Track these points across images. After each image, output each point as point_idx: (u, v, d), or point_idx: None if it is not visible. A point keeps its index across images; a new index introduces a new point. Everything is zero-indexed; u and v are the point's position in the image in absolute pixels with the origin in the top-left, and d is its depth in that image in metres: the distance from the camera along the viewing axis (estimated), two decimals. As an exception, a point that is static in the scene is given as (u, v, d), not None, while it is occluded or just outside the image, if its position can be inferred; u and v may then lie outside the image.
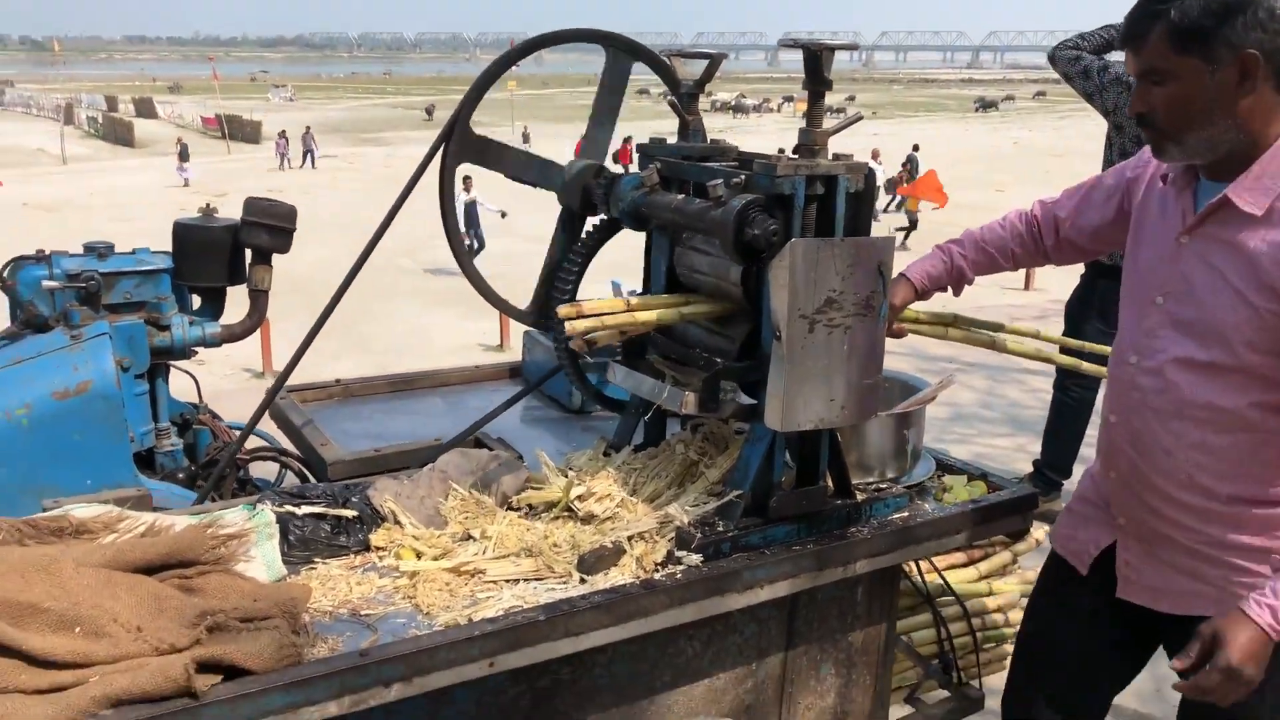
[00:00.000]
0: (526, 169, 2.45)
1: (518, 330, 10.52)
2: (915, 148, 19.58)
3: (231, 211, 2.73)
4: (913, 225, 17.31)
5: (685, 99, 2.23)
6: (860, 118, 1.96)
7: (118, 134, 44.30)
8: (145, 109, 56.60)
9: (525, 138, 31.95)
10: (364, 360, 9.07)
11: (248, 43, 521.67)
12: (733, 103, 62.18)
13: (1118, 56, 4.06)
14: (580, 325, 1.93)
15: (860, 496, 2.14)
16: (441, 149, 2.31)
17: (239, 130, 43.23)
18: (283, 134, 32.36)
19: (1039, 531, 2.78)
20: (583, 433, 2.70)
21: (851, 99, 69.73)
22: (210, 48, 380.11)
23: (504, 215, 14.14)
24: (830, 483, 2.09)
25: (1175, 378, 1.80)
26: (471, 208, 13.94)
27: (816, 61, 1.85)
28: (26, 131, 44.52)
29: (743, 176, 1.91)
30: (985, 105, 62.40)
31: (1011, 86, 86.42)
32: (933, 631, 2.65)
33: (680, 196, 2.07)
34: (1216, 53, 1.64)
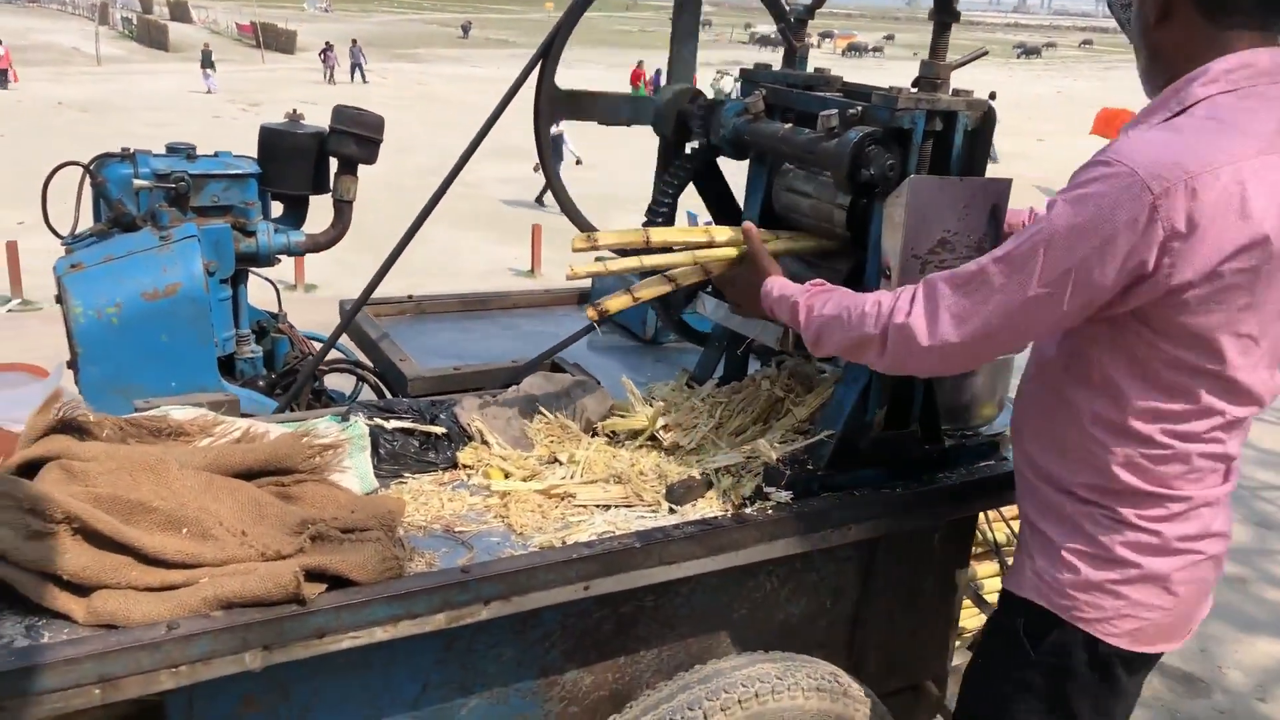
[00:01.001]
0: (618, 110, 2.39)
1: (549, 256, 10.46)
2: (992, 95, 18.96)
3: (257, 118, 2.69)
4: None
5: (793, 25, 2.16)
6: (985, 52, 1.89)
7: (152, 36, 43.95)
8: (179, 12, 56.04)
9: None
10: (399, 280, 9.07)
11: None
12: (772, 35, 60.75)
13: None
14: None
15: (947, 443, 2.11)
16: (550, 35, 2.25)
17: (274, 39, 42.79)
18: (329, 45, 31.76)
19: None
20: (655, 363, 2.68)
21: (890, 38, 68.17)
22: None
23: (579, 162, 13.95)
24: (919, 427, 2.06)
25: None
26: (558, 140, 13.75)
27: (950, -10, 1.78)
28: (62, 30, 44.25)
29: (859, 108, 1.85)
30: (1028, 52, 60.88)
31: (1058, 34, 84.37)
32: (999, 581, 2.63)
33: (788, 125, 2.01)
34: None
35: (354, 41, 32.05)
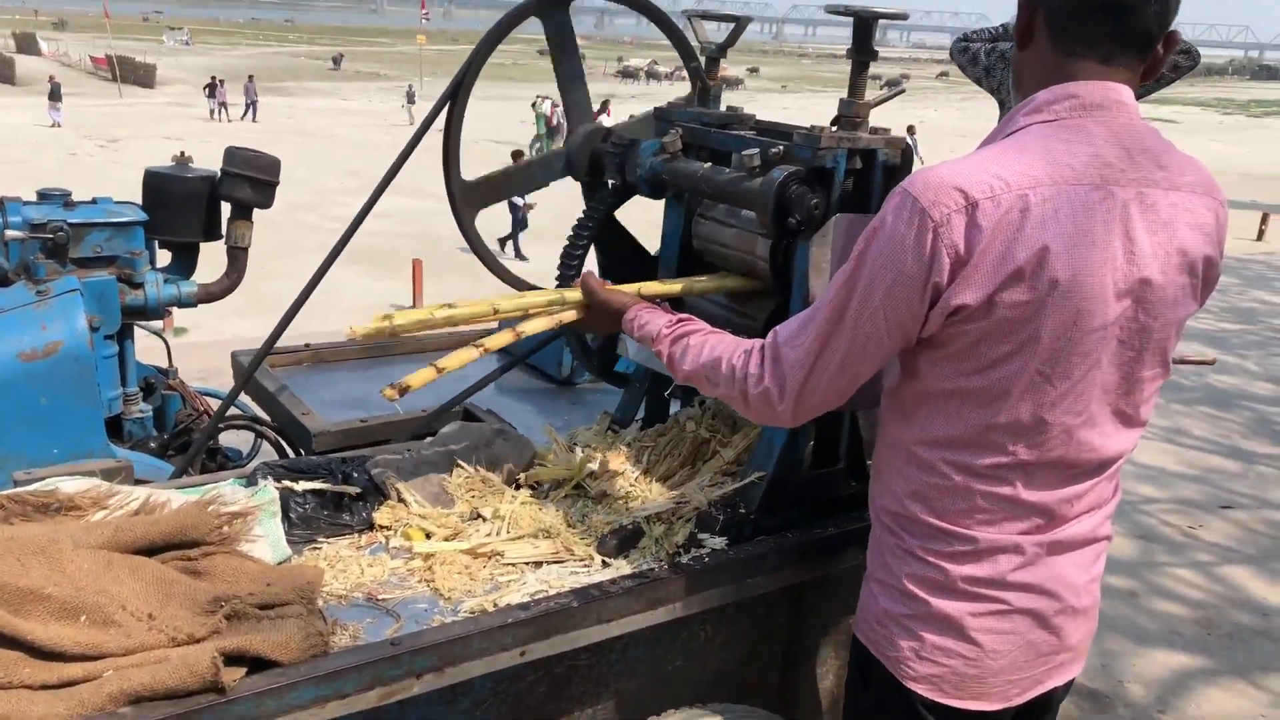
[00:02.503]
0: (533, 178, 2.35)
1: (433, 291, 10.25)
2: (910, 129, 18.83)
3: (117, 156, 2.54)
4: None
5: (707, 63, 2.14)
6: (903, 89, 1.91)
7: (-3, 70, 41.67)
8: (27, 44, 53.32)
9: (410, 97, 29.85)
10: (269, 320, 8.73)
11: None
12: (630, 67, 60.94)
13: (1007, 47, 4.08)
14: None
15: (873, 479, 2.10)
16: (459, 74, 2.18)
17: (132, 73, 41.09)
18: (217, 80, 30.06)
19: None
20: (572, 406, 2.61)
21: (754, 70, 69.89)
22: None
23: (532, 206, 13.51)
24: (846, 464, 2.05)
25: None
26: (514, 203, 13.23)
27: (866, 30, 1.78)
28: (-107, 63, 41.58)
29: (781, 147, 1.84)
30: (891, 84, 63.27)
31: (916, 66, 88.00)
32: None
33: (708, 165, 1.99)
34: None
35: (250, 78, 30.67)
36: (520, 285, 2.38)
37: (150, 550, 1.55)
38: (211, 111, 29.24)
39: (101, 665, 1.32)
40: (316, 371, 2.68)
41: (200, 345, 7.63)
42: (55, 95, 26.16)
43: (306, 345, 2.73)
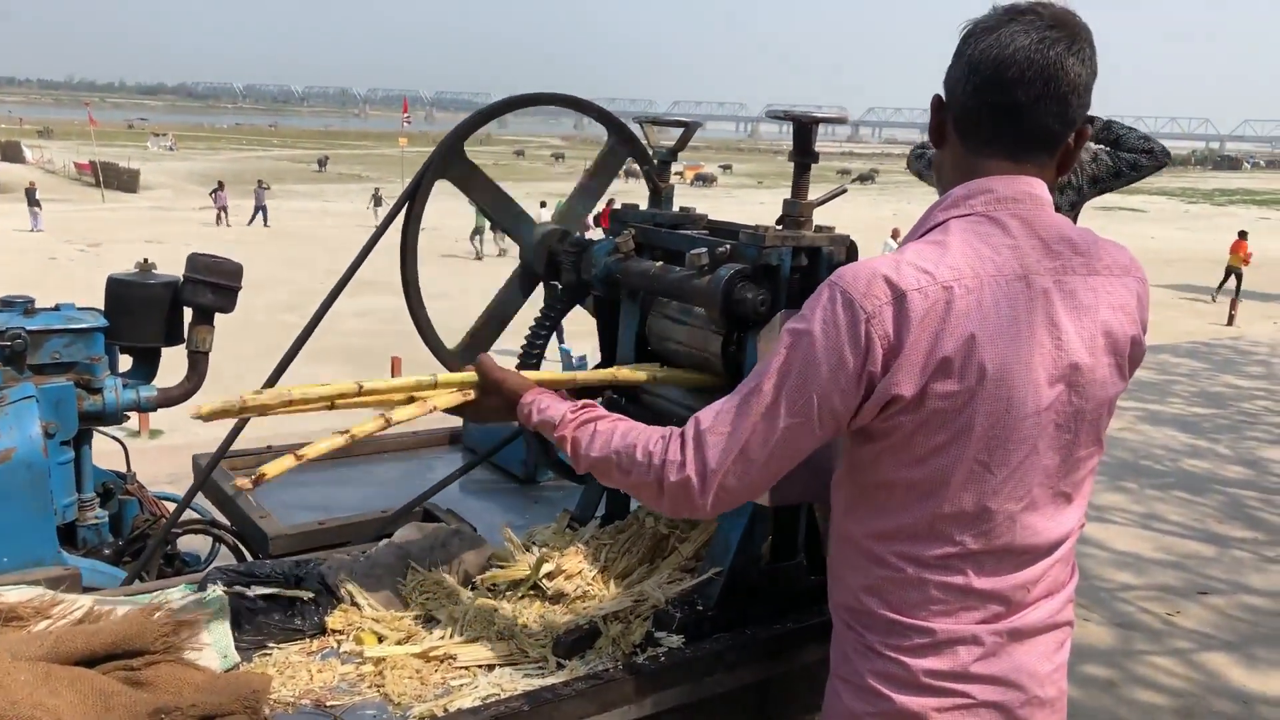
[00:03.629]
0: (500, 210, 2.37)
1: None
2: (895, 233, 19.47)
3: (98, 260, 2.56)
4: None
5: (658, 166, 2.20)
6: (844, 190, 1.96)
7: (-19, 177, 42.04)
8: (11, 152, 54.04)
9: (377, 200, 29.84)
10: (251, 424, 8.67)
11: (125, 89, 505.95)
12: (624, 168, 62.23)
13: None
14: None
15: (833, 572, 2.09)
16: (423, 168, 2.23)
17: (115, 178, 41.60)
18: (221, 185, 30.30)
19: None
20: (533, 504, 2.60)
21: (728, 168, 71.29)
22: (85, 93, 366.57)
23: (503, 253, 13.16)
24: (804, 558, 2.05)
25: None
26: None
27: (806, 133, 1.85)
28: (-122, 172, 41.98)
29: (727, 246, 1.88)
30: (862, 178, 64.50)
31: (890, 160, 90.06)
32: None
33: (659, 264, 2.03)
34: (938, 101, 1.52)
35: (260, 182, 30.75)
36: (446, 358, 2.38)
37: (92, 661, 1.52)
38: (217, 217, 29.26)
39: (33, 783, 1.29)
40: (279, 474, 2.67)
41: (176, 448, 7.56)
42: (32, 200, 26.32)
43: (269, 447, 2.72)
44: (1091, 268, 1.44)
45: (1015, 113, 1.40)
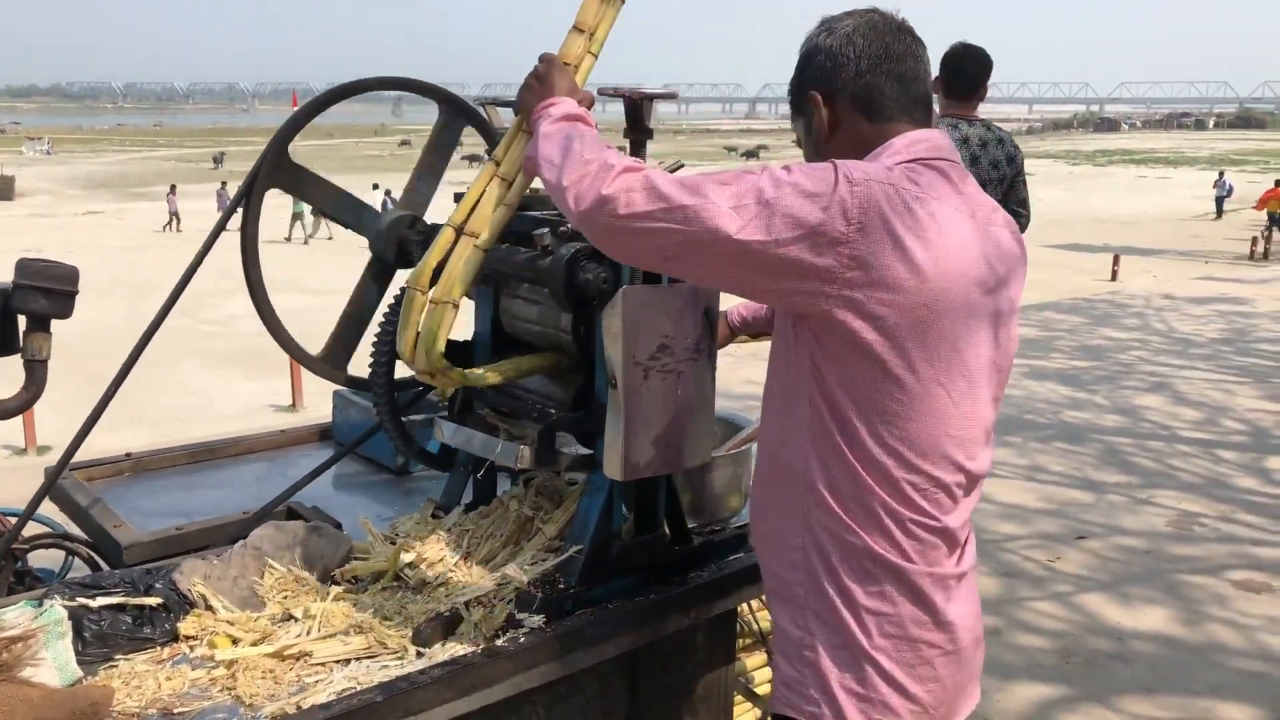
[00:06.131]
0: (340, 207, 2.33)
1: (312, 390, 9.97)
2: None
3: None
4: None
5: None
6: (681, 165, 1.98)
7: None
8: (-126, 164, 51.11)
9: (389, 201, 29.55)
10: (142, 432, 8.42)
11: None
12: (481, 154, 61.37)
13: None
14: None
15: (696, 541, 2.13)
16: (251, 174, 2.17)
17: (-13, 185, 39.71)
18: (173, 188, 29.00)
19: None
20: (406, 495, 2.58)
21: (623, 148, 71.25)
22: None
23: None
24: (667, 529, 2.07)
25: None
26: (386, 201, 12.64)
27: (637, 110, 1.86)
28: None
29: (569, 225, 1.89)
30: (749, 154, 65.03)
31: (785, 135, 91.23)
32: (769, 670, 2.66)
33: (504, 246, 2.02)
34: (802, 104, 1.65)
35: (223, 184, 29.40)
36: (287, 341, 2.33)
37: (-84, 686, 1.47)
38: (166, 224, 28.02)
39: None
40: (138, 481, 2.59)
41: (47, 467, 7.28)
42: None
43: (128, 454, 2.64)
44: (993, 220, 1.58)
45: (910, 81, 1.58)
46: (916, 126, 1.59)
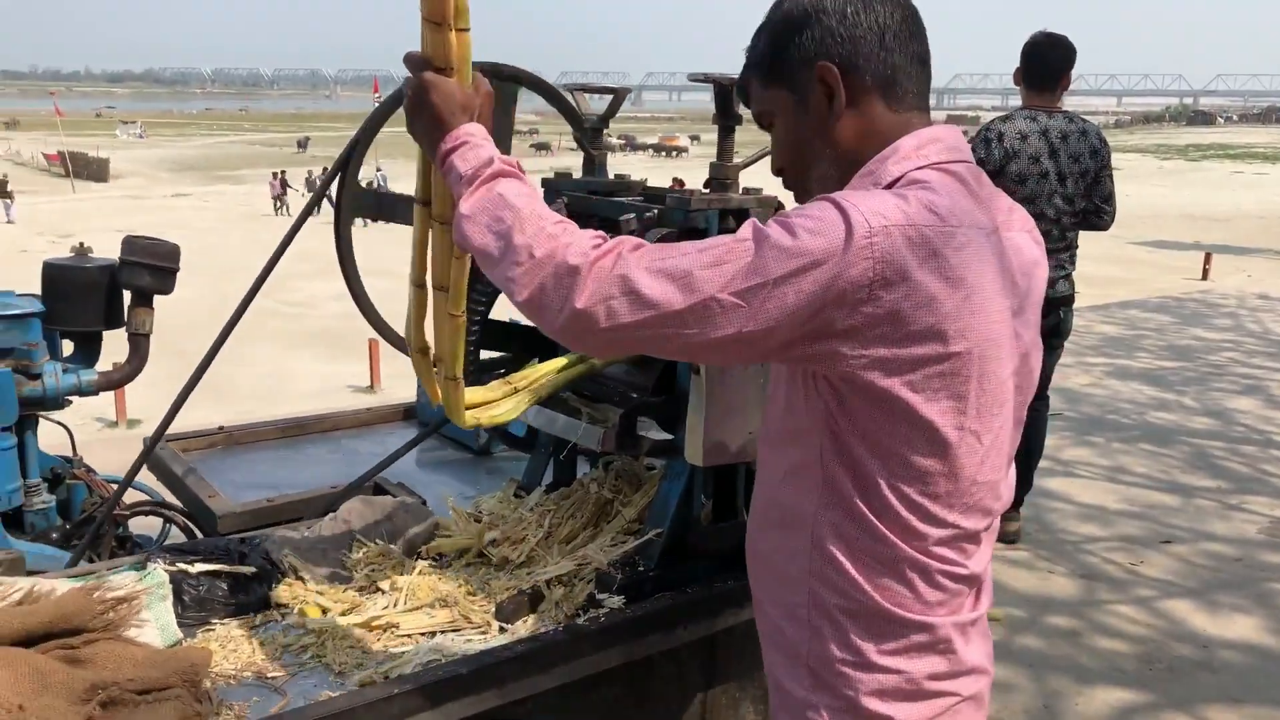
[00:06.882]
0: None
1: (389, 372, 10.12)
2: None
3: (68, 251, 2.56)
4: None
5: (589, 133, 2.21)
6: (769, 152, 1.97)
7: (-52, 171, 41.62)
8: (-21, 146, 53.44)
9: (381, 178, 29.63)
10: (224, 408, 8.66)
11: (91, 77, 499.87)
12: (618, 142, 61.47)
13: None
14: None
15: (776, 530, 2.13)
16: (335, 206, 2.23)
17: (84, 168, 41.22)
18: (277, 173, 30.11)
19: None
20: (488, 475, 2.62)
21: (696, 138, 70.94)
22: (50, 82, 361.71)
23: None
24: (746, 516, 2.08)
25: None
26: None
27: (726, 96, 1.86)
28: None
29: (655, 210, 1.90)
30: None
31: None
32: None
33: (590, 231, 2.04)
34: (797, 76, 1.35)
35: (310, 174, 30.33)
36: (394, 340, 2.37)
37: (30, 640, 1.54)
38: (275, 204, 29.06)
39: (-34, 760, 1.31)
40: (230, 454, 2.68)
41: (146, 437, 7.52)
42: (3, 192, 26.21)
43: (220, 427, 2.73)
44: (1012, 223, 1.39)
45: (926, 63, 1.37)
46: (926, 123, 1.37)
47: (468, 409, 1.77)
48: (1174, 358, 9.20)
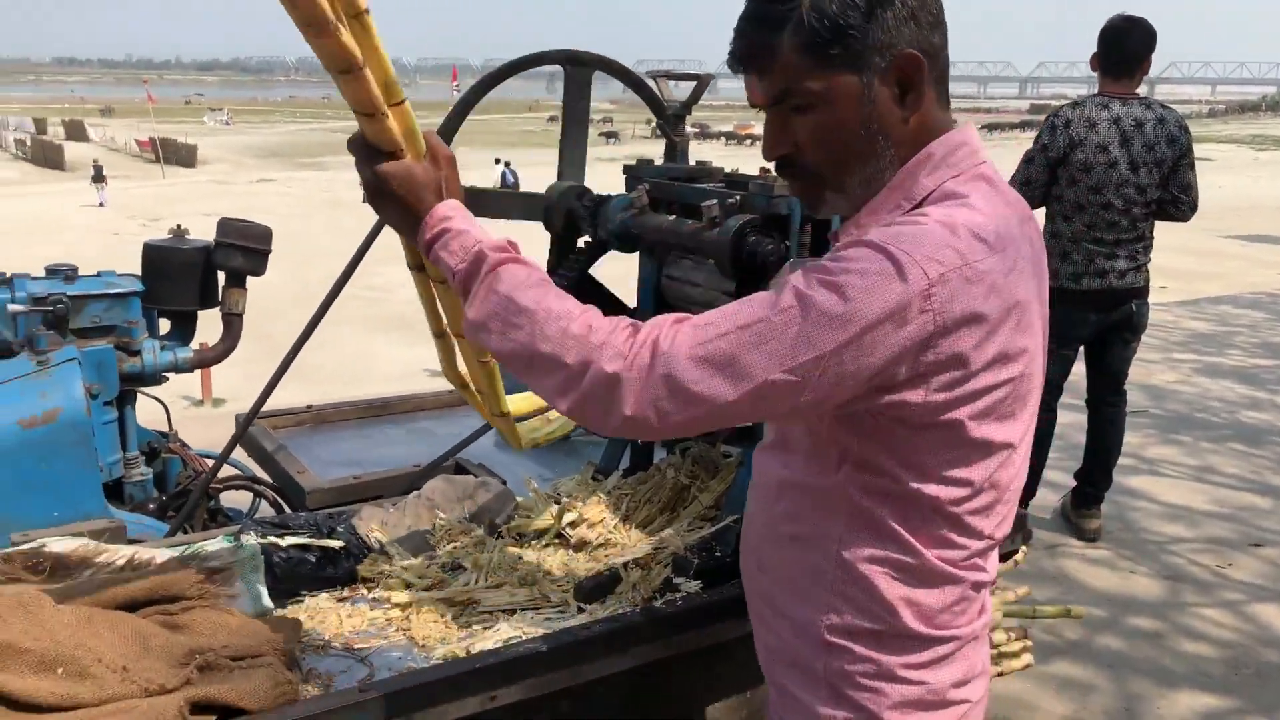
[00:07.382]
0: (511, 207, 2.40)
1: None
2: None
3: (159, 234, 2.65)
4: None
5: (671, 120, 2.22)
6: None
7: (47, 156, 43.27)
8: (76, 131, 55.42)
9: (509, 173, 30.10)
10: (307, 389, 8.86)
11: (181, 65, 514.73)
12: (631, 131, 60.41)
13: None
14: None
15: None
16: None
17: (174, 154, 42.52)
18: None
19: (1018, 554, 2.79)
20: (566, 457, 2.65)
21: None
22: (143, 70, 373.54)
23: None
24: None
25: None
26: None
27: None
28: (-51, 155, 43.30)
29: (737, 197, 1.90)
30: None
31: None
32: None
33: (671, 217, 2.05)
34: (868, 59, 1.18)
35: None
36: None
37: (132, 605, 1.61)
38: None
39: (76, 716, 1.37)
40: (317, 432, 2.76)
41: (237, 414, 7.76)
42: (99, 177, 27.19)
43: (309, 406, 2.81)
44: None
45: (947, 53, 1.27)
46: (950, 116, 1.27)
47: (518, 419, 1.83)
48: (1268, 355, 8.88)
